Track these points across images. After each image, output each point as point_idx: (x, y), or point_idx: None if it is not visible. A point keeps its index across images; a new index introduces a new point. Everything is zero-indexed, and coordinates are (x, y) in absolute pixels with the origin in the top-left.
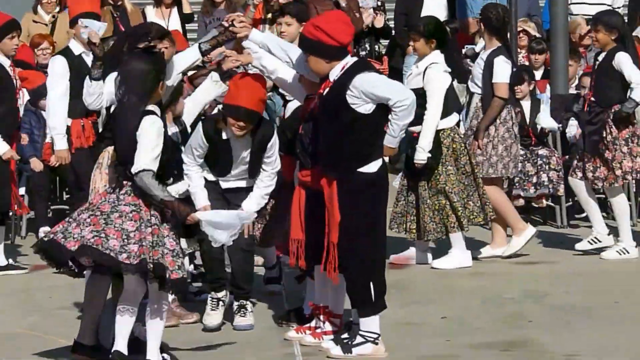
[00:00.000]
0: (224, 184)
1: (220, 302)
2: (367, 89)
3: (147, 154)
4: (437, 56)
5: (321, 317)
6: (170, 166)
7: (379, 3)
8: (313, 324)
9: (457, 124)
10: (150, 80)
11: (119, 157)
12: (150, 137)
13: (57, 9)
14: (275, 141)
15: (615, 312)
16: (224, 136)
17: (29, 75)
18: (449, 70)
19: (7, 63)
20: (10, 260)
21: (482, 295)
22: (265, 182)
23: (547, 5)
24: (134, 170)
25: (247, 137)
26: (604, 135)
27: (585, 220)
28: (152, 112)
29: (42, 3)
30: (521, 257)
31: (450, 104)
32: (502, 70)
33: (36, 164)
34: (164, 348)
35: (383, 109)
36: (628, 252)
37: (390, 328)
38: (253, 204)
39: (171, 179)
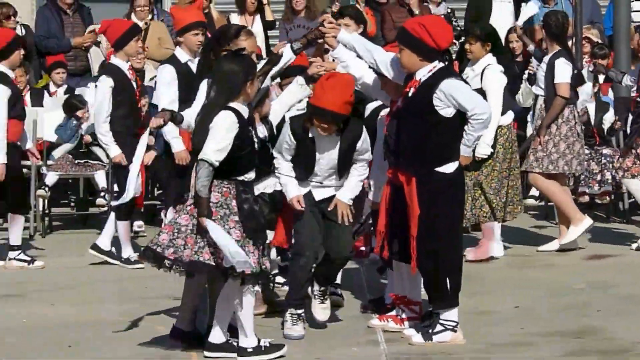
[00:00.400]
0: (317, 194)
1: (301, 317)
2: (452, 94)
3: (210, 145)
4: (491, 58)
5: (402, 307)
6: (249, 162)
7: (449, 10)
8: (394, 312)
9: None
10: (238, 80)
11: (194, 150)
12: (219, 130)
13: (150, 16)
14: (365, 138)
15: None
16: (310, 134)
17: None
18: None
19: (125, 66)
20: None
21: (550, 286)
22: (360, 171)
23: (609, 12)
24: (199, 157)
25: (334, 136)
26: None
27: None
28: (231, 109)
29: (135, 11)
30: (586, 250)
31: (506, 102)
32: (563, 71)
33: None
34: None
35: (463, 114)
36: None
37: (465, 317)
38: (347, 193)
39: (249, 173)
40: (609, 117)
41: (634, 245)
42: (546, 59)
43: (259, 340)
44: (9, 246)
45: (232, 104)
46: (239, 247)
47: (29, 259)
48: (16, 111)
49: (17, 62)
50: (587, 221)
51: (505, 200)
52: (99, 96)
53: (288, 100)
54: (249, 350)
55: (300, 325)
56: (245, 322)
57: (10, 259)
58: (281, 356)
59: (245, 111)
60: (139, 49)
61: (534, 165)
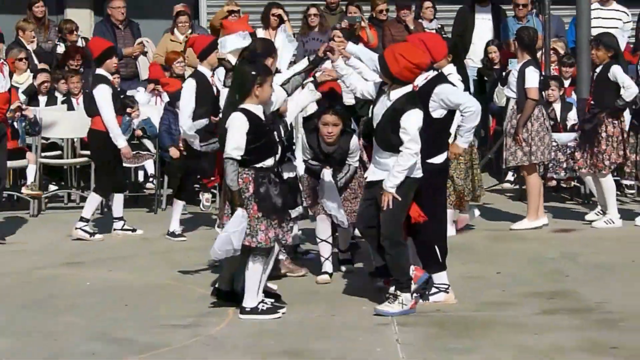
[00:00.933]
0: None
1: (398, 299)
2: (445, 97)
3: (229, 144)
4: (452, 68)
5: None
6: (264, 151)
7: (439, 26)
8: None
9: None
10: (247, 82)
11: (221, 146)
12: (232, 130)
13: (190, 30)
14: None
15: (632, 268)
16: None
17: (169, 81)
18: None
19: (209, 74)
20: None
21: (527, 255)
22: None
23: (571, 28)
24: (223, 155)
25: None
26: (599, 131)
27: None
28: (242, 110)
29: (177, 26)
30: (555, 226)
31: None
32: (532, 77)
33: (174, 152)
34: (272, 295)
35: (452, 115)
36: (614, 222)
37: (456, 281)
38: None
39: (267, 160)
40: (572, 115)
41: (593, 220)
42: (517, 66)
43: (261, 301)
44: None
45: (244, 105)
46: (234, 240)
47: (131, 228)
48: (115, 106)
49: (112, 69)
50: (542, 220)
51: (472, 186)
52: (185, 95)
53: (301, 102)
54: (247, 309)
55: (398, 305)
56: (250, 285)
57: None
58: (277, 317)
59: (258, 109)
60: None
61: (524, 159)
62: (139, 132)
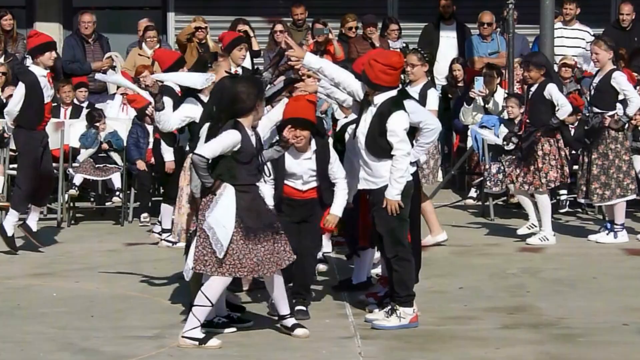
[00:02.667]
0: None
1: (396, 312)
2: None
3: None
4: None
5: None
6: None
7: (404, 44)
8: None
9: None
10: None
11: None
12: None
13: (158, 45)
14: (335, 159)
15: (593, 285)
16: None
17: (136, 97)
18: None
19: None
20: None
21: (489, 270)
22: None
23: (535, 47)
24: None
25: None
26: (536, 150)
27: (567, 214)
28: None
29: (145, 41)
30: (518, 243)
31: None
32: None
33: (141, 165)
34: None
35: (414, 131)
36: (548, 240)
37: (419, 295)
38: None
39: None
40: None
41: (519, 231)
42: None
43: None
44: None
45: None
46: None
47: (175, 240)
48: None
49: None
50: (442, 236)
51: None
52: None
53: (274, 117)
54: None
55: (395, 319)
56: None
57: (161, 240)
58: (233, 331)
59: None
60: (242, 57)
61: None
62: (105, 146)
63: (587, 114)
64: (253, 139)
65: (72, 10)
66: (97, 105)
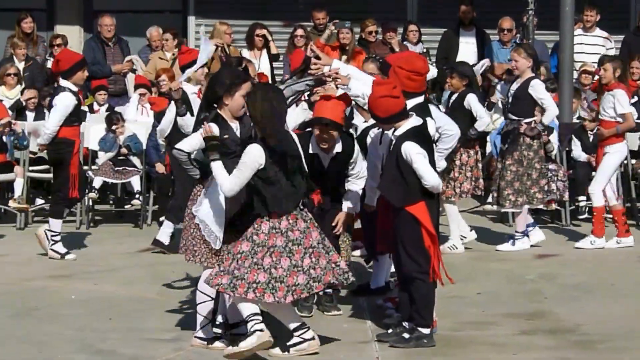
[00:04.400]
0: None
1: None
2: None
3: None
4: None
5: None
6: None
7: (425, 50)
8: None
9: None
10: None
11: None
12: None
13: (176, 49)
14: (358, 154)
15: (611, 290)
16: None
17: (156, 100)
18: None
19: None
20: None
21: (507, 276)
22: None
23: (555, 54)
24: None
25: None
26: (453, 159)
27: (586, 220)
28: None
29: (165, 43)
30: (536, 249)
31: None
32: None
33: (160, 167)
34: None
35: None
36: (457, 248)
37: (437, 301)
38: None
39: None
40: (553, 139)
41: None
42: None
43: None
44: None
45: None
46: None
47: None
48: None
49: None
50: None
51: None
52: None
53: (292, 121)
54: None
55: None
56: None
57: None
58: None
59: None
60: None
61: None
62: (124, 150)
63: (505, 121)
64: (237, 130)
65: (93, 13)
66: (117, 109)
